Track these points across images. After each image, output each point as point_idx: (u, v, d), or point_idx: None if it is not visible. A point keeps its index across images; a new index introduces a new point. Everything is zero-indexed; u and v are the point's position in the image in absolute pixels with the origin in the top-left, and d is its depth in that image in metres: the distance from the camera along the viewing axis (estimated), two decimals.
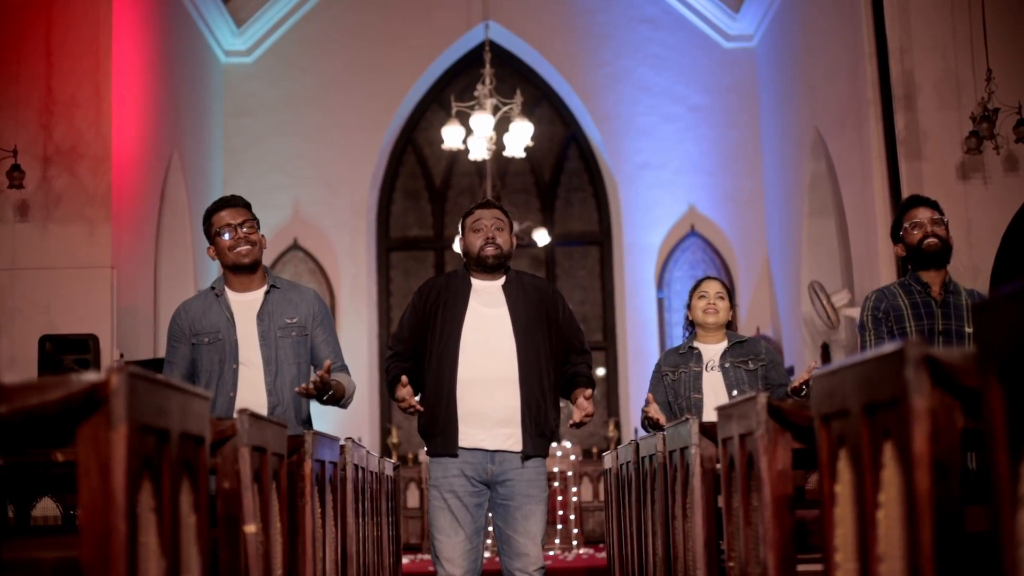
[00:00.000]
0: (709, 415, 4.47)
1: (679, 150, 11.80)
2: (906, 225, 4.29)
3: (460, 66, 12.13)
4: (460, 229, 4.20)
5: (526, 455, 3.90)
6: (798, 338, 10.67)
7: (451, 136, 9.07)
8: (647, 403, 4.52)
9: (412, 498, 10.58)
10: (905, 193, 8.31)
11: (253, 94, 11.78)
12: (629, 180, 11.83)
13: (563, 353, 4.05)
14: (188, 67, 10.75)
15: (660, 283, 11.76)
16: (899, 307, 4.20)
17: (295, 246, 11.69)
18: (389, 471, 5.18)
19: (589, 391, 3.97)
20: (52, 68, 8.36)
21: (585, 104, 11.93)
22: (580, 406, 3.91)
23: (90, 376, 1.46)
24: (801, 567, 2.26)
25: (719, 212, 11.78)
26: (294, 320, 3.92)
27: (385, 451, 11.56)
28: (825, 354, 10.35)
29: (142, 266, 9.15)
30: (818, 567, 2.42)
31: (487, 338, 3.94)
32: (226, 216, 3.91)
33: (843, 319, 9.20)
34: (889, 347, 1.49)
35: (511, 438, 3.89)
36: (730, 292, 4.79)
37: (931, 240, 4.22)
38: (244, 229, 3.88)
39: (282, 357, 3.86)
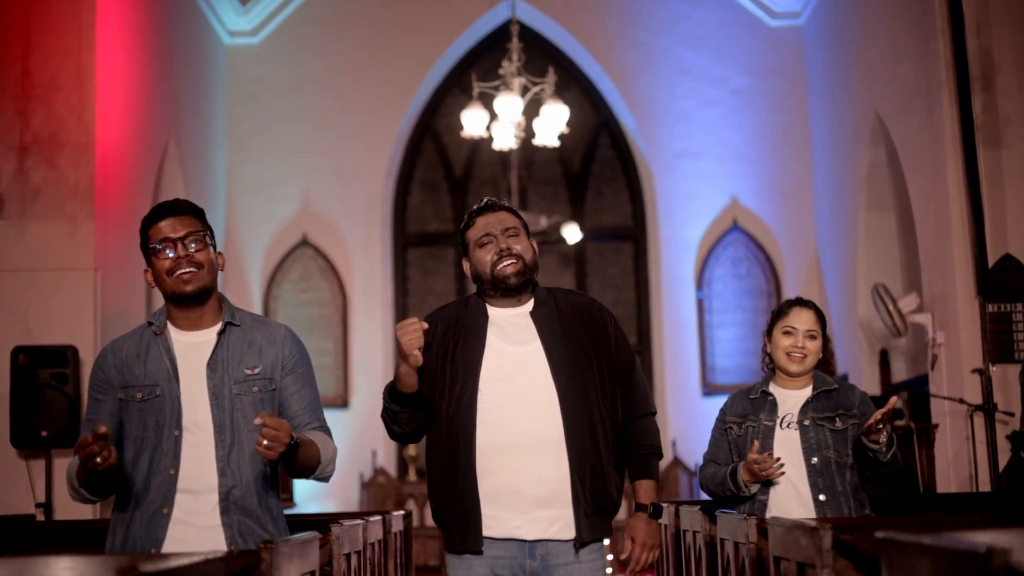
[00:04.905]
0: (779, 487, 3.56)
1: (720, 137, 11.02)
2: None
3: (483, 47, 11.38)
4: (462, 248, 3.23)
5: (581, 542, 2.96)
6: (852, 343, 9.77)
7: (472, 122, 8.02)
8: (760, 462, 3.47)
9: (428, 519, 9.77)
10: (984, 185, 7.47)
11: (259, 78, 11.09)
12: (666, 170, 11.06)
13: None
14: (187, 48, 9.97)
15: (700, 282, 10.99)
16: None
17: (304, 242, 10.99)
18: (398, 527, 4.30)
19: (646, 512, 3.05)
20: (30, 48, 7.60)
21: (618, 87, 11.15)
22: (635, 534, 3.02)
23: None
24: None
25: (764, 205, 10.98)
26: (256, 371, 2.96)
27: (402, 465, 10.77)
28: (884, 361, 9.45)
29: (131, 268, 8.27)
30: None
31: (516, 386, 3.00)
32: (165, 228, 2.96)
33: (910, 326, 8.29)
34: None
35: (557, 522, 2.94)
36: (824, 324, 3.75)
37: None
38: (189, 246, 2.97)
39: (240, 421, 2.91)
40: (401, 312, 11.29)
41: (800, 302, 3.76)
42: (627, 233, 11.61)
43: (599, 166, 11.71)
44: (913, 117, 8.33)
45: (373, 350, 10.70)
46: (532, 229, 3.34)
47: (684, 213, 11.02)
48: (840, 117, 10.12)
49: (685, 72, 11.10)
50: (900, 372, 9.41)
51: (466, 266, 3.22)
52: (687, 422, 10.54)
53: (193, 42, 10.18)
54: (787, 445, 3.58)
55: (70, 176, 7.53)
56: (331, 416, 11.70)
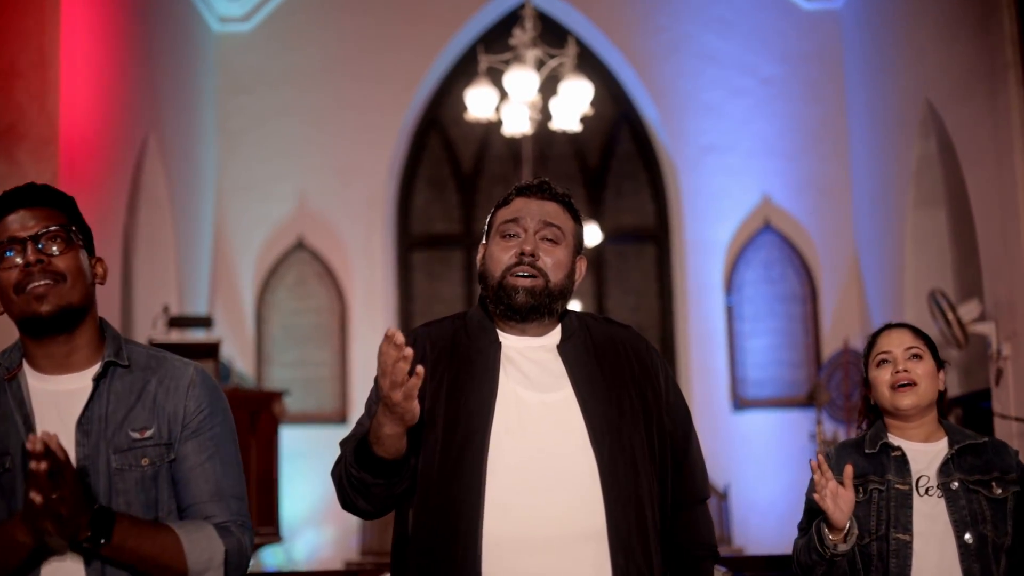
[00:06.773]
0: (923, 572, 2.66)
1: (750, 130, 10.42)
2: None
3: (492, 34, 10.72)
4: (486, 230, 2.39)
5: None
6: None
7: (479, 101, 7.11)
8: (817, 481, 2.56)
9: None
10: None
11: (252, 68, 10.51)
12: (691, 165, 10.47)
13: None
14: (170, 34, 9.32)
15: (729, 287, 10.36)
16: None
17: (300, 245, 10.37)
18: None
19: None
20: None
21: (640, 76, 10.56)
22: None
23: None
24: None
25: (798, 203, 10.35)
26: (147, 434, 2.11)
27: None
28: None
29: None
30: None
31: (539, 452, 2.16)
32: (13, 224, 2.15)
33: (971, 337, 7.51)
34: None
35: None
36: (932, 345, 2.86)
37: None
38: (48, 248, 2.15)
39: (122, 508, 2.05)
40: (405, 320, 10.66)
41: (890, 325, 2.90)
42: (649, 234, 11.07)
43: (619, 162, 11.16)
44: (972, 104, 7.68)
45: (374, 361, 9.87)
46: None
47: (711, 212, 10.46)
48: (884, 106, 9.43)
49: (712, 60, 10.53)
50: (952, 386, 8.62)
51: (479, 253, 2.40)
52: (716, 440, 9.81)
53: (177, 28, 9.54)
54: (930, 518, 2.69)
55: (30, 171, 6.91)
56: (328, 433, 10.66)
